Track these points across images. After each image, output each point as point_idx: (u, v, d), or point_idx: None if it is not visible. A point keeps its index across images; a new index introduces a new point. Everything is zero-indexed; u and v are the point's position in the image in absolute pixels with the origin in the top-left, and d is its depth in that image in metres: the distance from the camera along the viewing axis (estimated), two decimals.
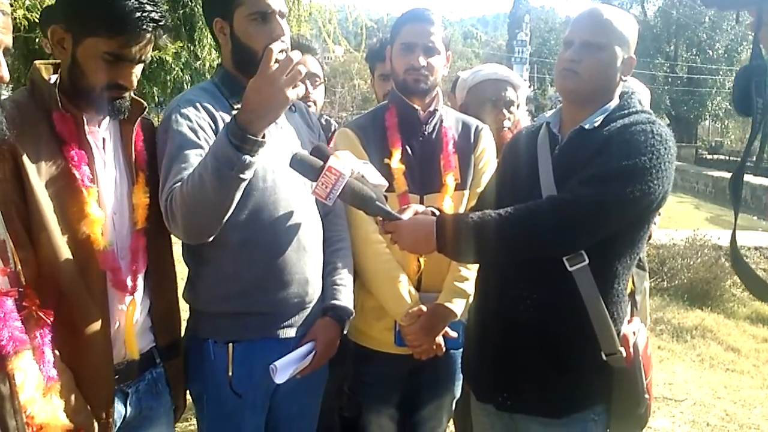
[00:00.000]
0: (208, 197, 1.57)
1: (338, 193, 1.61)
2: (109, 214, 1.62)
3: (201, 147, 1.72)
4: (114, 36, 1.51)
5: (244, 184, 1.59)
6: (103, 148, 1.66)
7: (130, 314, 1.67)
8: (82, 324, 1.56)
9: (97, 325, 1.57)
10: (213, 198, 1.57)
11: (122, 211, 1.67)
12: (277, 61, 1.53)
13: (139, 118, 1.72)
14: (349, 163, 1.68)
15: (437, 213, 1.84)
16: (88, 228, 1.54)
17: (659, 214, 2.77)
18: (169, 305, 1.84)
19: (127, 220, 1.68)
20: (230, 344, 1.84)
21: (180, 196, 1.60)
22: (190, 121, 1.76)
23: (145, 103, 1.74)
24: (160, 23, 1.56)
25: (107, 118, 1.67)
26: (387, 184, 1.89)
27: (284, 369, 1.79)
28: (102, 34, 1.51)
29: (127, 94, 1.62)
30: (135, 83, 1.61)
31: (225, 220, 1.66)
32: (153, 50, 1.66)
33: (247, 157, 1.53)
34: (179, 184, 1.63)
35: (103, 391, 1.60)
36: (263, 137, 1.56)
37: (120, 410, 1.67)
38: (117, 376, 1.65)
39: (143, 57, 1.59)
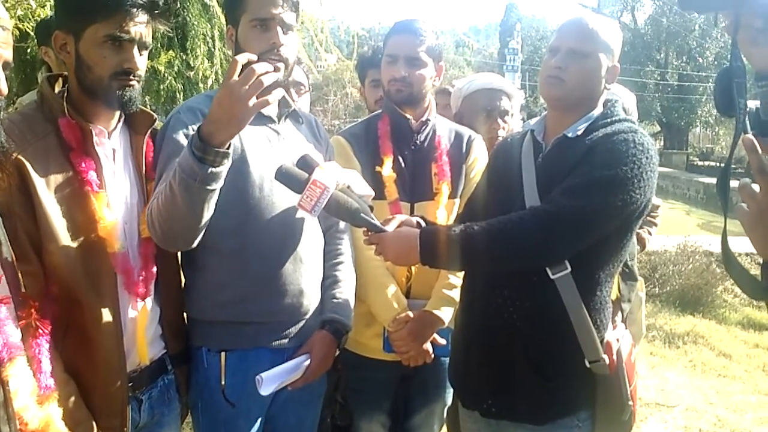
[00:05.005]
0: (179, 208, 1.55)
1: (323, 206, 1.60)
2: (120, 223, 1.62)
3: None
4: (110, 16, 1.53)
5: (212, 195, 1.56)
6: (113, 159, 1.67)
7: (142, 320, 1.67)
8: (95, 332, 1.56)
9: (109, 333, 1.58)
10: (183, 208, 1.55)
11: (132, 221, 1.68)
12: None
13: (150, 130, 1.74)
14: (335, 175, 1.66)
15: (423, 223, 1.84)
16: (101, 232, 1.55)
17: (656, 225, 2.80)
18: (178, 313, 1.86)
19: (137, 230, 1.69)
20: (223, 353, 1.83)
21: (156, 205, 1.59)
22: (186, 128, 1.75)
23: (156, 116, 1.75)
24: None
25: (117, 129, 1.69)
26: (374, 194, 1.89)
27: (270, 380, 1.74)
28: (99, 19, 1.53)
29: (134, 83, 1.61)
30: (140, 67, 1.61)
31: (202, 228, 1.63)
32: (150, 59, 1.66)
33: (210, 168, 1.50)
34: None
35: (117, 399, 1.60)
36: (228, 147, 1.52)
37: (134, 417, 1.67)
38: (131, 384, 1.65)
39: (144, 40, 1.60)
